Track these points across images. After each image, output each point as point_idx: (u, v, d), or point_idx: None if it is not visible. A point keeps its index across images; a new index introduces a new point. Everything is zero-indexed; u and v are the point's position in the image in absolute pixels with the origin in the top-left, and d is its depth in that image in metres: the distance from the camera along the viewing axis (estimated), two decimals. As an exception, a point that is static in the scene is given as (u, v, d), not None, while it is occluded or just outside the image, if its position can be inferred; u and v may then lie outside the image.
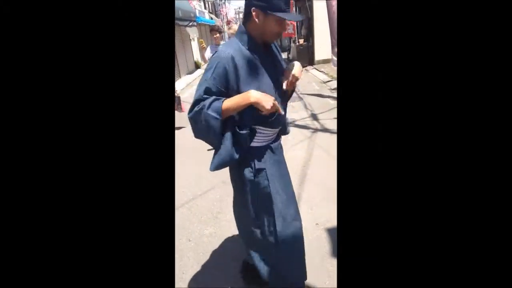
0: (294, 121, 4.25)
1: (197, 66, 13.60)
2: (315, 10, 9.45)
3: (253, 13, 1.03)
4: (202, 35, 15.43)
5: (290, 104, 2.95)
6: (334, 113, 4.47)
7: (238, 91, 1.06)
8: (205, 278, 1.69)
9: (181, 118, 4.10)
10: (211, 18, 20.55)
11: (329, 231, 1.96)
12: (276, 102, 1.04)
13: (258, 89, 1.07)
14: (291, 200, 1.25)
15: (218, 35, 3.82)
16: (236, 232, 2.01)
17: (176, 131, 4.40)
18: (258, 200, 1.19)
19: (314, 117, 4.50)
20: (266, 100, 1.02)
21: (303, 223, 1.31)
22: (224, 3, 28.95)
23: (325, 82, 7.15)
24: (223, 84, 1.04)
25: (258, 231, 1.25)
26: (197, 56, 13.62)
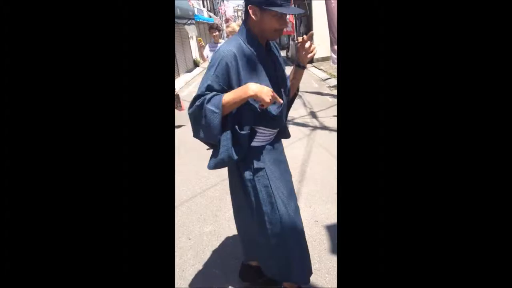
0: (293, 119, 4.25)
1: (196, 65, 13.58)
2: (313, 8, 9.43)
3: (250, 10, 1.04)
4: (200, 33, 15.39)
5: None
6: (333, 111, 4.47)
7: (236, 84, 1.06)
8: (204, 276, 1.69)
9: (181, 117, 4.09)
10: (210, 16, 20.51)
11: (328, 228, 1.96)
12: (275, 94, 1.02)
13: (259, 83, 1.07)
14: (292, 197, 1.25)
15: (217, 33, 3.81)
16: (235, 230, 2.01)
17: (176, 130, 4.39)
18: (259, 198, 1.18)
19: (313, 115, 4.50)
20: (265, 92, 0.99)
21: (302, 220, 1.31)
22: (223, 1, 28.88)
23: (324, 80, 7.15)
24: (225, 81, 1.04)
25: (260, 230, 1.24)
26: (196, 55, 13.60)
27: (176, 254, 1.86)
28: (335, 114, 4.26)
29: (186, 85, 9.12)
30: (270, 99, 1.00)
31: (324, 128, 3.86)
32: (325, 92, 5.98)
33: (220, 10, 28.22)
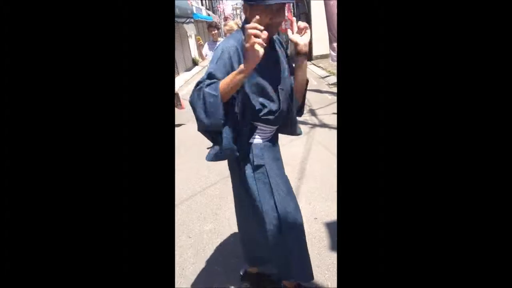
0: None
1: (195, 63, 13.56)
2: (312, 5, 9.41)
3: (243, 8, 1.06)
4: (199, 32, 15.35)
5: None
6: (332, 109, 4.47)
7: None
8: (205, 274, 1.70)
9: (181, 116, 4.10)
10: (208, 15, 20.45)
11: (328, 225, 1.97)
12: (256, 34, 0.91)
13: (259, 82, 1.08)
14: (291, 195, 1.26)
15: (216, 31, 3.81)
16: (235, 228, 2.02)
17: (176, 128, 4.40)
18: (259, 196, 1.19)
19: (313, 112, 4.50)
20: (250, 55, 0.92)
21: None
22: (221, -1, 28.78)
23: (323, 78, 7.14)
24: (228, 71, 1.02)
25: (259, 228, 1.24)
26: (195, 53, 13.57)
27: (176, 252, 1.87)
28: (334, 111, 4.27)
29: (186, 84, 9.11)
30: (253, 44, 0.91)
31: (323, 125, 3.86)
32: (324, 89, 5.98)
33: (219, 9, 28.12)
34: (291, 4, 9.59)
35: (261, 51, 0.90)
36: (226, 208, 2.31)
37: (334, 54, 4.82)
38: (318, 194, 2.32)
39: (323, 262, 1.66)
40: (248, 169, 1.18)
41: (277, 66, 1.16)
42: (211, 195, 2.54)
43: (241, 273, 1.56)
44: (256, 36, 0.89)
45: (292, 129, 1.31)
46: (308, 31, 1.09)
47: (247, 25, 0.91)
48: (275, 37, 1.18)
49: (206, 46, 3.83)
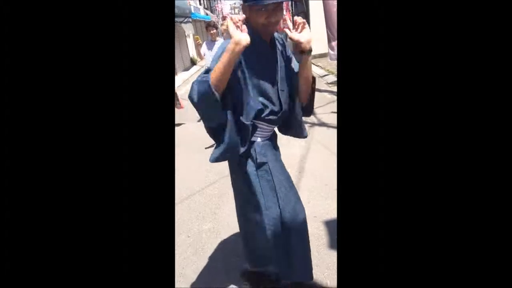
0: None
1: (193, 63, 13.54)
2: (311, 4, 9.40)
3: (242, 9, 1.06)
4: (197, 32, 15.33)
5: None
6: (331, 108, 4.47)
7: (238, 79, 1.07)
8: (204, 273, 1.70)
9: (180, 115, 4.10)
10: (207, 14, 20.41)
11: (327, 223, 1.97)
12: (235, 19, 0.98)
13: (259, 81, 1.09)
14: (294, 191, 1.26)
15: (214, 31, 3.80)
16: (234, 227, 2.02)
17: (175, 128, 4.39)
18: (262, 194, 1.19)
19: (311, 111, 4.48)
20: (237, 37, 0.96)
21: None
22: (220, -2, 28.72)
23: (321, 77, 7.14)
24: None
25: (262, 227, 1.24)
26: (193, 53, 13.56)
27: (175, 251, 1.87)
28: (333, 110, 4.27)
29: (184, 84, 9.09)
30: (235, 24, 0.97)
31: (322, 124, 3.86)
32: (323, 88, 5.98)
33: (217, 8, 28.08)
34: (290, 3, 9.59)
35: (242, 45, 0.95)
36: (225, 207, 2.31)
37: (333, 53, 4.82)
38: (317, 193, 2.32)
39: (322, 261, 1.66)
40: (251, 167, 1.18)
41: (277, 65, 1.15)
42: (210, 194, 2.54)
43: (241, 272, 1.55)
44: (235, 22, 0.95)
45: (297, 131, 1.30)
46: (307, 26, 1.06)
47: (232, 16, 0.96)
48: (276, 35, 1.17)
49: (204, 46, 3.82)
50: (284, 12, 1.10)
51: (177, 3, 9.81)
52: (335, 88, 5.25)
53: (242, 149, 1.12)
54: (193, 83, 1.04)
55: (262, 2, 0.98)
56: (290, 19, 1.14)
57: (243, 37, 0.95)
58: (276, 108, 1.15)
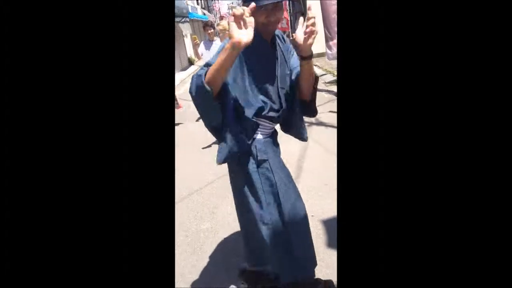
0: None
1: (191, 63, 13.52)
2: (308, 4, 9.40)
3: None
4: (195, 31, 15.31)
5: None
6: (328, 107, 4.48)
7: (239, 78, 1.07)
8: (202, 273, 1.70)
9: (177, 115, 4.10)
10: (204, 14, 20.39)
11: (325, 222, 1.98)
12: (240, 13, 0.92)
13: (260, 79, 1.09)
14: (294, 188, 1.27)
15: (211, 30, 3.80)
16: (232, 227, 2.02)
17: (172, 128, 4.39)
18: (263, 191, 1.19)
19: (309, 111, 4.49)
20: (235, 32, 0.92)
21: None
22: (217, -2, 28.67)
23: (319, 76, 7.15)
24: None
25: (263, 225, 1.24)
26: (190, 53, 13.53)
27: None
28: (331, 110, 4.28)
29: (182, 83, 9.08)
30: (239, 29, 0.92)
31: (320, 124, 3.87)
32: (321, 88, 5.99)
33: (215, 8, 28.04)
34: (287, 3, 9.58)
35: (238, 46, 0.91)
36: (223, 207, 2.31)
37: (330, 52, 4.83)
38: (314, 192, 2.33)
39: (320, 259, 1.66)
40: (251, 165, 1.18)
41: (277, 64, 1.16)
42: (208, 194, 2.54)
43: (239, 271, 1.55)
44: (236, 17, 0.90)
45: (298, 131, 1.31)
46: (313, 36, 1.02)
47: (234, 10, 0.92)
48: (277, 32, 1.17)
49: (202, 45, 3.82)
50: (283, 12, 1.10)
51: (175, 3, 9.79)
52: (332, 88, 5.25)
53: (246, 146, 1.13)
54: (192, 76, 1.05)
55: (260, 3, 0.98)
56: (287, 18, 1.14)
57: (243, 38, 0.91)
58: (276, 106, 1.16)
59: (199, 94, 1.02)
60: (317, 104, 1.31)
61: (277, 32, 1.17)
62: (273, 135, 1.28)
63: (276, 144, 1.29)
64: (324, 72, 7.36)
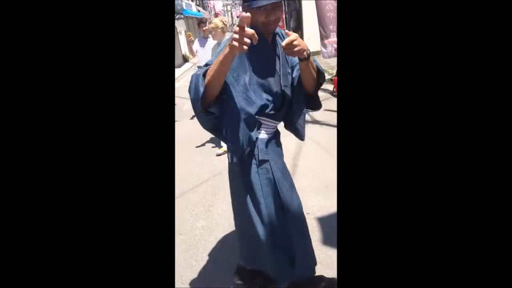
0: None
1: (186, 60, 13.44)
2: (303, 2, 9.40)
3: (242, 8, 1.07)
4: (189, 28, 15.21)
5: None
6: (324, 105, 4.48)
7: (238, 76, 1.07)
8: (197, 270, 1.70)
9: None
10: (198, 11, 20.26)
11: (320, 219, 1.99)
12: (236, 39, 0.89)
13: (262, 79, 1.10)
14: (294, 189, 1.27)
15: (206, 27, 3.77)
16: (227, 225, 2.02)
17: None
18: (263, 191, 1.19)
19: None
20: (236, 40, 0.89)
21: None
22: (212, -5, 28.50)
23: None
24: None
25: (263, 224, 1.23)
26: (185, 50, 13.45)
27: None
28: (326, 108, 4.29)
29: (176, 81, 9.02)
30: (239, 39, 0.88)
31: (315, 122, 3.88)
32: (316, 86, 5.99)
33: (209, 5, 27.89)
34: (283, 2, 9.57)
35: (237, 51, 0.90)
36: (218, 204, 2.31)
37: (325, 50, 4.83)
38: (310, 190, 2.34)
39: (316, 256, 1.67)
40: (252, 164, 1.18)
41: (279, 62, 1.16)
42: (203, 192, 2.54)
43: (236, 269, 1.56)
44: (239, 41, 0.87)
45: (299, 130, 1.31)
46: (297, 42, 0.98)
47: (235, 27, 0.90)
48: (277, 30, 1.17)
49: (196, 42, 3.79)
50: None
51: (168, -1, 9.70)
52: (328, 86, 5.27)
53: (253, 145, 1.13)
54: (192, 76, 1.05)
55: (258, 4, 0.99)
56: (283, 17, 1.14)
57: (244, 44, 0.88)
58: (279, 104, 1.17)
59: (194, 86, 1.02)
60: (312, 103, 1.31)
61: (278, 30, 1.17)
62: (276, 134, 1.27)
63: (278, 145, 1.28)
64: (319, 71, 7.36)
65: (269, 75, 1.13)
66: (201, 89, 0.99)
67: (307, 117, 4.05)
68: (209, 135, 3.52)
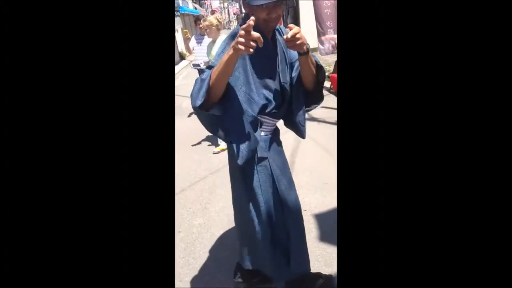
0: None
1: (182, 57, 13.39)
2: (300, -1, 9.38)
3: (243, 6, 1.07)
4: (186, 25, 15.12)
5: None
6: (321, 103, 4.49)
7: (240, 77, 1.07)
8: (195, 268, 1.71)
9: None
10: (195, 8, 20.16)
11: (317, 216, 2.00)
12: (252, 35, 0.88)
13: (262, 77, 1.10)
14: (292, 187, 1.28)
15: (203, 24, 3.75)
16: (225, 222, 2.03)
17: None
18: (262, 189, 1.19)
19: (301, 106, 4.50)
20: (240, 40, 0.89)
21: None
22: (208, -8, 28.37)
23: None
24: None
25: (261, 225, 1.24)
26: (181, 47, 13.38)
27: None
28: (323, 105, 4.29)
29: (173, 78, 8.98)
30: (245, 41, 0.88)
31: (312, 119, 3.89)
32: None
33: (206, 2, 27.75)
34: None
35: (242, 53, 0.90)
36: (216, 202, 2.31)
37: (323, 47, 4.83)
38: (307, 187, 2.35)
39: (312, 253, 1.68)
40: (251, 162, 1.17)
41: (278, 59, 1.15)
42: (200, 189, 2.54)
43: (235, 268, 1.56)
44: (244, 45, 0.88)
45: (299, 127, 1.30)
46: (299, 36, 0.99)
47: (240, 29, 0.89)
48: (278, 26, 1.17)
49: (193, 40, 3.77)
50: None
51: (165, -4, 9.64)
52: (325, 83, 5.27)
53: (257, 144, 1.13)
54: (196, 80, 1.05)
55: (260, 1, 0.99)
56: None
57: (250, 47, 0.88)
58: (279, 102, 1.16)
59: (199, 89, 1.02)
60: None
61: (278, 26, 1.17)
62: (275, 132, 1.27)
63: (278, 142, 1.28)
64: (316, 68, 7.35)
65: (269, 73, 1.13)
66: (204, 91, 1.00)
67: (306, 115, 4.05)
68: (206, 133, 3.51)
